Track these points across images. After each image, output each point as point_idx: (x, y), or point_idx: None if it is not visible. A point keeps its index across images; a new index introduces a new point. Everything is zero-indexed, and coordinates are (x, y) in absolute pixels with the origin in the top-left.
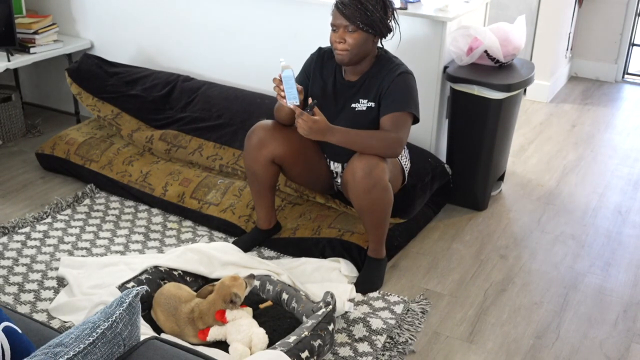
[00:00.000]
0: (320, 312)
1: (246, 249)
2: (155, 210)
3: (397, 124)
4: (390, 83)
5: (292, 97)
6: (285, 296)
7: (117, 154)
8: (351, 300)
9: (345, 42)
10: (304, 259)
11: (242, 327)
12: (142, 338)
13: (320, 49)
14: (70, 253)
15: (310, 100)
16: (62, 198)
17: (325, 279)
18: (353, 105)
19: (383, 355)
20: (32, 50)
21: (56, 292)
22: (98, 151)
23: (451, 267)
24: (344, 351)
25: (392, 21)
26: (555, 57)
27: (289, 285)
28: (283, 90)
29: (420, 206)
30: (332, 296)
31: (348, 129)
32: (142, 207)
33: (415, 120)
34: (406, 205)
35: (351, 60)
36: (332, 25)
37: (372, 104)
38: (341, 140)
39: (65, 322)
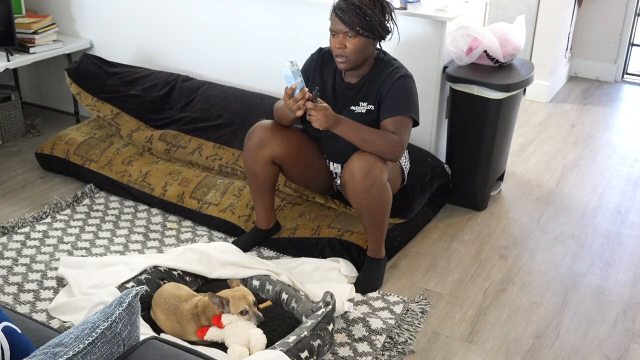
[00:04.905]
0: (319, 312)
1: (246, 248)
2: (154, 210)
3: (397, 127)
4: (390, 87)
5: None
6: (284, 296)
7: (117, 154)
8: (351, 300)
9: (346, 47)
10: (303, 259)
11: (239, 329)
12: (141, 338)
13: (320, 49)
14: (70, 253)
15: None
16: (62, 198)
17: (325, 279)
18: (352, 107)
19: (382, 355)
20: (31, 50)
21: (56, 292)
22: (97, 151)
23: (451, 267)
24: (344, 351)
25: (390, 22)
26: (555, 57)
27: (288, 285)
28: (300, 105)
29: (419, 206)
30: (332, 296)
31: (353, 121)
32: (142, 207)
33: (415, 123)
34: (405, 206)
35: (352, 66)
36: (332, 30)
37: (371, 107)
38: (346, 131)
39: (65, 322)
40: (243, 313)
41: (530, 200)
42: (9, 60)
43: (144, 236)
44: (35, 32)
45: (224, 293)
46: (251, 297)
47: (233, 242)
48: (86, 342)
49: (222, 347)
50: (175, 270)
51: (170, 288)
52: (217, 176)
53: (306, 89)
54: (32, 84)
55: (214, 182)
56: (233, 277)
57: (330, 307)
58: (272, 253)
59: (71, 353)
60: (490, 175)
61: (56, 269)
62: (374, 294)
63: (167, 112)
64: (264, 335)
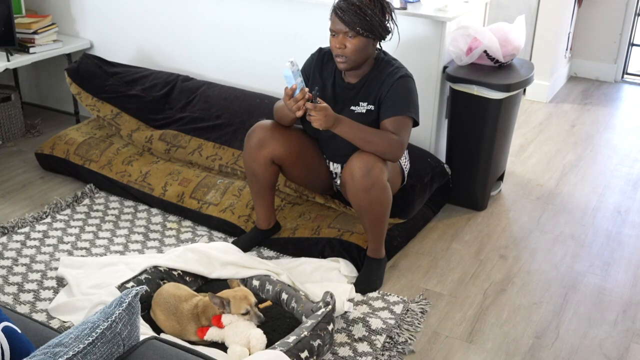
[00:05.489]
0: (319, 312)
1: (245, 248)
2: (154, 210)
3: (397, 127)
4: (390, 87)
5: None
6: (284, 296)
7: (117, 154)
8: (351, 300)
9: (346, 47)
10: (303, 259)
11: (239, 329)
12: (141, 338)
13: (320, 49)
14: (70, 253)
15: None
16: (62, 198)
17: (325, 279)
18: (352, 107)
19: (382, 355)
20: (31, 50)
21: (55, 292)
22: (97, 151)
23: (451, 267)
24: (344, 351)
25: (390, 22)
26: (555, 57)
27: (288, 285)
28: (300, 106)
29: (419, 206)
30: (332, 296)
31: (353, 121)
32: (142, 207)
33: (415, 123)
34: (405, 206)
35: (352, 66)
36: (332, 30)
37: (371, 107)
38: (346, 131)
39: (65, 322)
40: (245, 314)
41: (530, 200)
42: (9, 60)
43: (144, 236)
44: (35, 32)
45: (224, 293)
46: (252, 298)
47: (233, 242)
48: (86, 342)
49: (222, 347)
50: (175, 270)
51: (170, 288)
52: (217, 176)
53: (306, 89)
54: (32, 84)
55: (214, 182)
56: (233, 277)
57: (330, 307)
58: (272, 253)
59: (71, 353)
60: (490, 175)
61: (56, 269)
62: (374, 294)
63: (167, 112)
64: (264, 336)
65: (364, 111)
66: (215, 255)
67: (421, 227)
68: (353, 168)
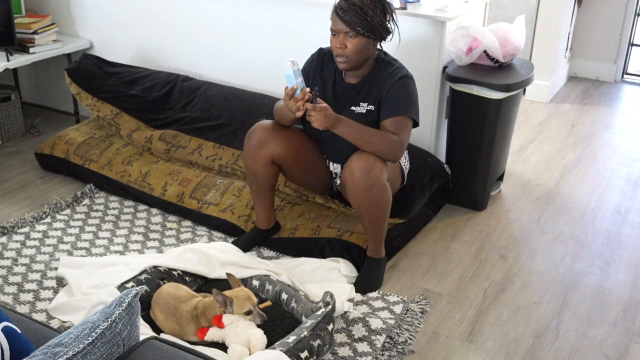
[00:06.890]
0: (319, 312)
1: (245, 248)
2: (154, 210)
3: (397, 127)
4: (391, 87)
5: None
6: (284, 296)
7: (117, 154)
8: (350, 300)
9: (346, 47)
10: (303, 259)
11: (240, 329)
12: (141, 338)
13: (320, 49)
14: (70, 253)
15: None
16: (62, 198)
17: (325, 279)
18: (353, 107)
19: (382, 355)
20: (31, 50)
21: (55, 292)
22: (97, 151)
23: (450, 267)
24: (344, 351)
25: (391, 23)
26: (555, 57)
27: (288, 285)
28: (299, 106)
29: (419, 206)
30: (332, 296)
31: (353, 121)
32: (142, 207)
33: (415, 124)
34: (405, 206)
35: (352, 66)
36: (332, 30)
37: (371, 107)
38: (346, 131)
39: (65, 322)
40: (248, 313)
41: (530, 200)
42: (8, 60)
43: (144, 236)
44: (35, 32)
45: (227, 293)
46: (255, 298)
47: (233, 242)
48: (86, 342)
49: (222, 347)
50: (175, 270)
51: (169, 288)
52: (217, 176)
53: (307, 89)
54: (32, 84)
55: (214, 182)
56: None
57: (330, 307)
58: (272, 253)
59: (71, 353)
60: (490, 175)
61: (56, 269)
62: (374, 294)
63: (167, 112)
64: (265, 336)
65: (364, 111)
66: (215, 255)
67: (421, 227)
68: (353, 168)
